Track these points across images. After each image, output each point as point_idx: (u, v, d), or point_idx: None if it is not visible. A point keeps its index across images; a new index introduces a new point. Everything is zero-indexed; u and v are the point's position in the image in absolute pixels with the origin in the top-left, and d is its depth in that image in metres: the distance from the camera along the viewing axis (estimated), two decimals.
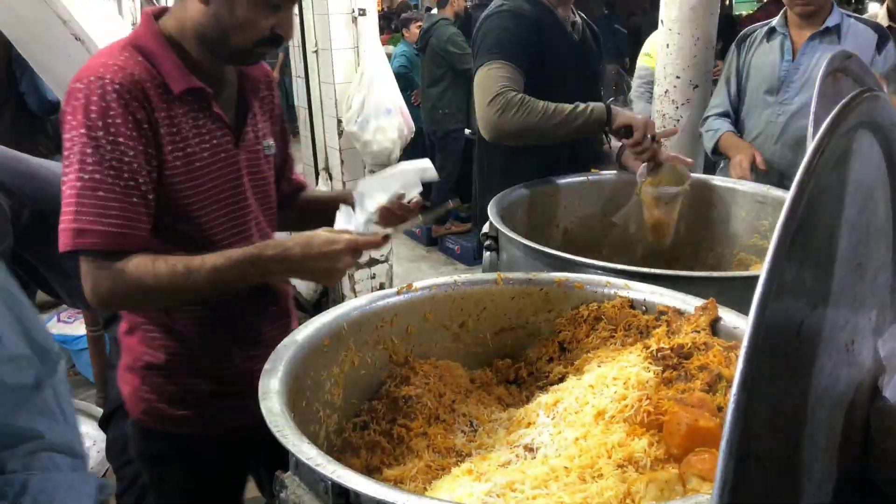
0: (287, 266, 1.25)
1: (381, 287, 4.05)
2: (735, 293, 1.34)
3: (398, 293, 1.34)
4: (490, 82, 1.97)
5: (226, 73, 1.40)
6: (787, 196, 0.56)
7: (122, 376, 1.49)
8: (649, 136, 1.95)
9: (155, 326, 1.41)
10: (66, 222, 1.21)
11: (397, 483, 1.06)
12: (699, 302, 1.25)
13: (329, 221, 1.45)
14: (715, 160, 2.75)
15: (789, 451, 0.65)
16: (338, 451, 1.16)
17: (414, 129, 4.62)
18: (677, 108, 2.94)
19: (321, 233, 1.27)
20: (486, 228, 1.82)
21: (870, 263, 0.81)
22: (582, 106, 1.96)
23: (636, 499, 0.81)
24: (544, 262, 1.54)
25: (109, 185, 1.20)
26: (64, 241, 1.21)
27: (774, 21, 2.56)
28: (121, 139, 1.21)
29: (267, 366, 1.09)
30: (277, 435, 0.88)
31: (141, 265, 1.22)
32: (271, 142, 1.51)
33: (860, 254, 0.78)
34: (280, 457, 1.55)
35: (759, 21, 2.70)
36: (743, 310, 1.23)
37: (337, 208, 1.45)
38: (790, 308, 0.61)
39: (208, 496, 1.51)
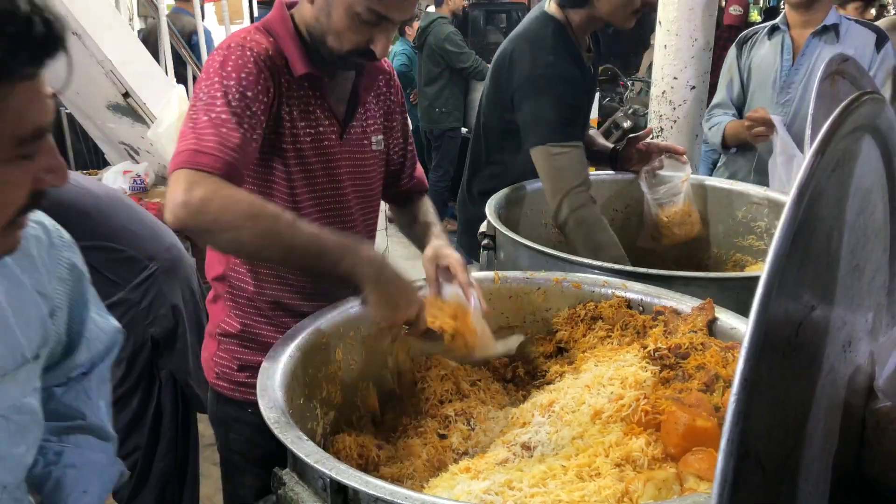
0: (378, 272, 1.18)
1: None
2: (732, 294, 1.34)
3: None
4: (560, 174, 1.87)
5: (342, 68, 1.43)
6: (788, 197, 0.56)
7: (205, 342, 1.57)
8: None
9: (236, 296, 1.46)
10: (183, 145, 1.20)
11: (395, 481, 1.06)
12: (696, 302, 1.25)
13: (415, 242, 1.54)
14: (726, 153, 2.75)
15: (787, 450, 0.65)
16: (333, 449, 1.17)
17: (411, 128, 4.61)
18: (674, 108, 2.94)
19: (418, 282, 1.29)
20: (483, 227, 1.83)
21: (867, 265, 0.82)
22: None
23: (634, 498, 0.82)
24: (542, 261, 1.54)
25: (233, 125, 1.22)
26: (176, 161, 1.18)
27: (777, 20, 2.59)
28: (250, 93, 1.26)
29: (265, 363, 1.09)
30: (276, 431, 0.88)
31: (251, 194, 1.22)
32: (381, 137, 1.52)
33: (858, 256, 0.78)
34: None
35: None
36: (739, 310, 1.24)
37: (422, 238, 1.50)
38: (789, 309, 0.61)
39: (269, 463, 1.51)
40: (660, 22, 2.87)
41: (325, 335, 1.20)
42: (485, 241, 1.81)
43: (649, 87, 4.83)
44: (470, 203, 2.24)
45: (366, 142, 1.48)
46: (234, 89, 1.25)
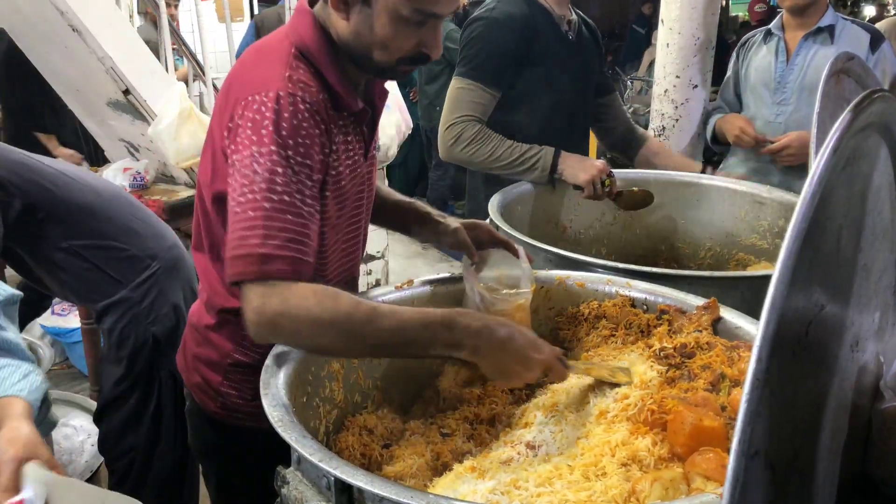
0: (484, 342, 1.08)
1: (378, 283, 4.04)
2: (736, 293, 1.34)
3: (398, 289, 1.34)
4: (454, 105, 2.03)
5: (360, 81, 1.31)
6: (800, 196, 0.56)
7: (198, 367, 1.40)
8: (599, 184, 1.97)
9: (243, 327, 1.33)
10: (249, 247, 1.06)
11: (397, 480, 1.06)
12: (700, 301, 1.25)
13: (395, 225, 1.50)
14: (717, 150, 2.81)
15: (795, 450, 0.65)
16: (336, 448, 1.16)
17: (412, 126, 4.61)
18: (676, 107, 2.94)
19: (527, 331, 1.13)
20: None
21: (875, 265, 0.81)
22: (529, 154, 1.99)
23: (641, 497, 0.81)
24: (545, 259, 1.54)
25: (297, 208, 1.09)
26: (243, 269, 1.07)
27: (772, 24, 2.62)
28: (309, 161, 1.12)
29: (268, 361, 1.09)
30: (280, 430, 0.88)
31: (320, 292, 1.07)
32: (380, 143, 1.48)
33: (866, 255, 0.78)
34: None
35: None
36: (744, 309, 1.23)
37: (409, 214, 1.48)
38: (800, 307, 0.61)
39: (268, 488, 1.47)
40: (662, 20, 2.87)
41: None
42: None
43: (650, 86, 4.84)
44: (479, 192, 2.25)
45: (374, 154, 1.40)
46: (293, 160, 1.10)
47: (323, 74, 1.18)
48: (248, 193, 1.08)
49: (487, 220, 1.81)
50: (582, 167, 1.98)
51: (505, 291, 1.32)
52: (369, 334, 1.07)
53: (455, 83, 2.06)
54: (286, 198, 1.08)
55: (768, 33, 2.63)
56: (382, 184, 1.58)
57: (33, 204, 1.88)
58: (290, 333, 1.08)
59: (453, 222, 1.42)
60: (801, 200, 0.55)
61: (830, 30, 2.49)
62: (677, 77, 2.88)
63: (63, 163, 2.15)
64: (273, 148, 1.09)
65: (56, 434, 2.39)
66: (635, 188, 2.08)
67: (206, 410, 1.41)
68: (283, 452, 1.41)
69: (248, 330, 1.08)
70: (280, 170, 1.08)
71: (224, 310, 1.32)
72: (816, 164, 0.57)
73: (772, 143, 2.45)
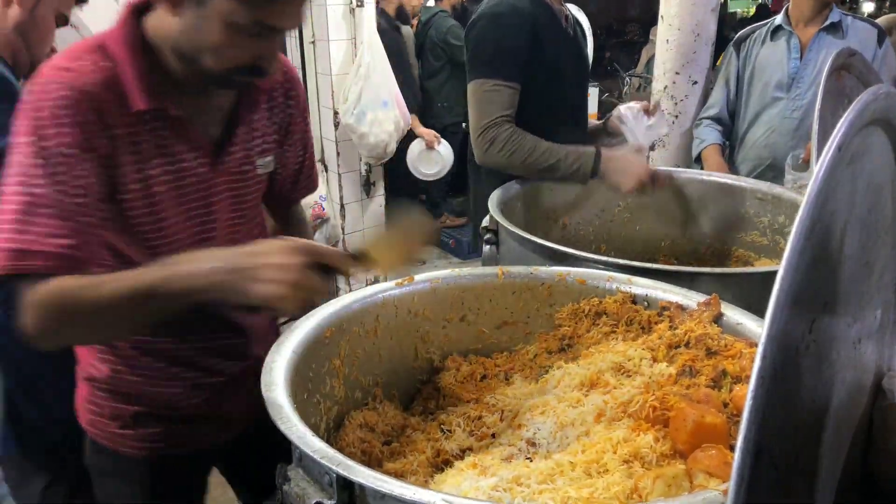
0: (220, 272, 1.02)
1: (376, 280, 4.04)
2: (737, 289, 1.34)
3: (398, 286, 1.34)
4: (484, 106, 1.97)
5: (212, 88, 1.22)
6: (805, 193, 0.56)
7: (77, 384, 1.40)
8: (646, 185, 1.94)
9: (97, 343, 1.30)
10: (4, 240, 1.03)
11: (398, 477, 1.06)
12: (702, 297, 1.25)
13: None
14: (698, 167, 2.83)
15: (799, 448, 0.65)
16: (336, 445, 1.16)
17: (410, 122, 4.60)
18: (676, 104, 2.94)
19: (275, 240, 1.06)
20: (486, 222, 1.82)
21: (877, 262, 0.81)
22: (571, 158, 1.94)
23: (643, 494, 0.81)
24: (545, 256, 1.54)
25: (54, 200, 1.04)
26: (3, 263, 1.03)
27: (777, 20, 2.62)
28: (70, 152, 1.06)
29: (268, 358, 1.08)
30: (282, 427, 0.88)
31: (82, 288, 1.05)
32: (270, 158, 1.35)
33: (868, 253, 0.78)
34: (254, 470, 1.46)
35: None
36: (745, 306, 1.23)
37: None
38: (804, 305, 0.61)
39: None
40: (661, 16, 2.87)
41: (329, 330, 1.20)
42: (487, 236, 1.80)
43: (648, 83, 4.83)
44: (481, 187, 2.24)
45: (247, 167, 1.30)
46: (52, 150, 1.04)
47: (117, 71, 1.11)
48: (7, 185, 1.05)
49: (487, 216, 1.81)
50: (624, 170, 1.93)
51: None
52: (138, 308, 1.06)
53: (475, 86, 1.99)
54: (42, 190, 1.04)
55: (776, 28, 2.63)
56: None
57: None
58: (71, 339, 1.16)
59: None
60: (806, 197, 0.55)
61: (840, 25, 2.52)
62: (677, 73, 2.88)
63: None
64: (29, 139, 1.05)
65: None
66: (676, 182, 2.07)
67: (83, 426, 1.40)
68: (159, 484, 1.39)
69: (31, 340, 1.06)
70: (37, 162, 1.04)
71: None
72: (821, 161, 0.57)
73: None
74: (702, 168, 2.72)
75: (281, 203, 1.53)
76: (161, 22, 1.12)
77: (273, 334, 1.46)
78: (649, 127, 2.10)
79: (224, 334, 1.38)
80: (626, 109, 2.14)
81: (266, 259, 1.00)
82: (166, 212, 1.20)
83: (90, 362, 1.33)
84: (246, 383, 1.36)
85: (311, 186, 1.56)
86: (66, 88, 1.06)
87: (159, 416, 1.35)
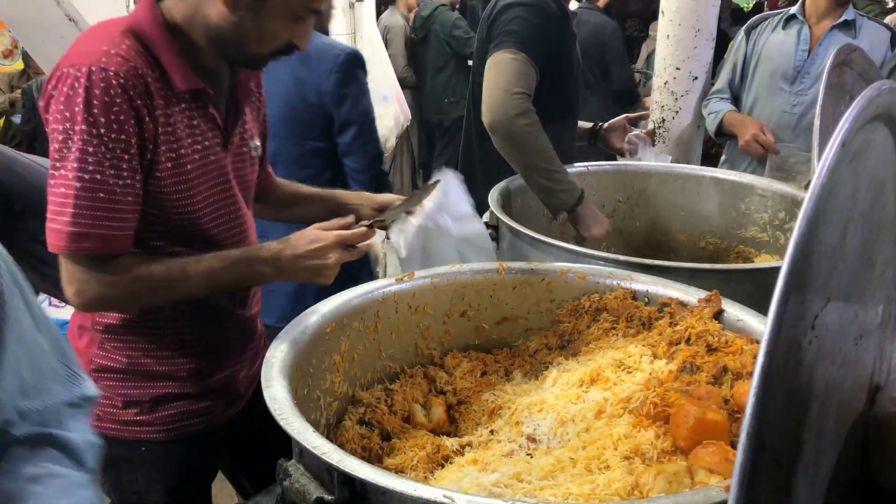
0: (279, 267, 1.25)
1: (376, 276, 4.03)
2: (738, 285, 1.34)
3: (399, 281, 1.33)
4: (517, 76, 1.88)
5: (222, 71, 1.33)
6: (809, 188, 0.56)
7: None
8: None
9: (103, 329, 1.35)
10: (61, 223, 1.14)
11: (398, 472, 1.06)
12: (702, 294, 1.25)
13: (307, 216, 1.49)
14: (719, 142, 2.82)
15: (801, 445, 0.65)
16: (336, 441, 1.16)
17: (410, 118, 4.59)
18: (676, 99, 2.93)
19: (309, 231, 1.27)
20: (486, 217, 1.82)
21: (878, 258, 0.81)
22: (567, 178, 1.92)
23: (644, 491, 0.81)
24: (546, 252, 1.53)
25: (110, 186, 1.15)
26: (57, 244, 1.15)
27: (793, 9, 2.60)
28: (123, 136, 1.15)
29: (269, 353, 1.08)
30: (282, 423, 0.88)
31: (137, 268, 1.19)
32: (258, 143, 1.46)
33: (870, 248, 0.78)
34: (254, 460, 1.51)
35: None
36: (745, 302, 1.23)
37: (317, 202, 1.54)
38: (806, 301, 0.60)
39: (174, 500, 1.45)
40: (662, 12, 2.86)
41: (330, 325, 1.19)
42: (488, 232, 1.79)
43: (648, 78, 4.81)
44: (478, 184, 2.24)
45: (245, 149, 1.41)
46: (106, 137, 1.13)
47: (154, 52, 1.20)
48: (60, 169, 1.14)
49: (488, 213, 1.81)
50: (596, 222, 1.93)
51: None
52: (186, 290, 1.23)
53: (506, 54, 1.90)
54: (98, 176, 1.13)
55: (790, 18, 2.61)
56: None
57: (10, 195, 1.86)
58: (113, 307, 1.28)
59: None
60: (809, 193, 0.55)
61: (854, 24, 2.50)
62: (677, 69, 2.87)
63: (39, 157, 2.11)
64: (84, 127, 1.12)
65: None
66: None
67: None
68: (176, 467, 1.43)
69: (72, 305, 1.22)
70: (91, 149, 1.12)
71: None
72: (825, 157, 0.56)
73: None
74: (723, 140, 2.73)
75: (266, 190, 1.60)
76: (198, 10, 1.21)
77: (278, 309, 1.65)
78: (654, 154, 2.23)
79: (234, 308, 1.45)
80: (636, 138, 2.23)
81: (305, 248, 1.24)
82: (194, 189, 1.28)
83: (95, 353, 1.36)
84: (254, 356, 1.51)
85: (270, 171, 1.63)
86: (118, 74, 1.13)
87: (175, 395, 1.39)
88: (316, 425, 1.11)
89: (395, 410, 1.23)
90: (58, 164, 1.14)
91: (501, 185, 1.95)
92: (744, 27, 2.76)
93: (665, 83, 2.92)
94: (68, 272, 1.18)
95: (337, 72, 2.05)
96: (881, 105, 0.68)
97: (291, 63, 1.86)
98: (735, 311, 1.20)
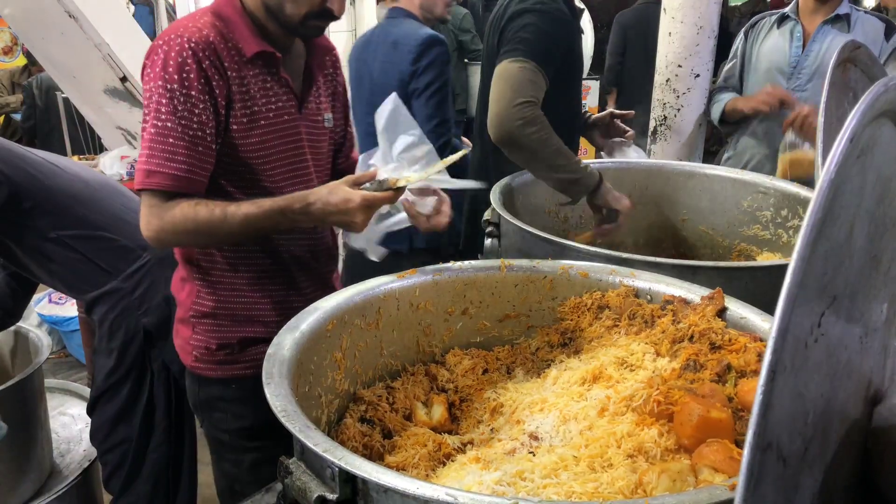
0: (310, 218, 1.39)
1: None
2: (741, 283, 1.33)
3: (400, 278, 1.33)
4: (520, 84, 1.89)
5: (296, 44, 1.55)
6: (816, 186, 0.55)
7: (175, 329, 1.65)
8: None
9: (201, 279, 1.57)
10: (140, 163, 1.39)
11: (399, 470, 1.05)
12: (705, 291, 1.24)
13: None
14: (727, 132, 2.85)
15: (807, 443, 0.64)
16: (337, 438, 1.15)
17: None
18: (678, 97, 2.92)
19: (340, 188, 1.36)
20: (487, 214, 1.81)
21: (884, 255, 0.81)
22: (581, 166, 1.93)
23: (648, 489, 0.81)
24: (547, 249, 1.53)
25: (179, 133, 1.36)
26: (137, 180, 1.39)
27: (787, 9, 2.63)
28: (193, 93, 1.36)
29: (270, 350, 1.07)
30: (283, 420, 0.87)
31: (185, 208, 1.38)
32: (330, 115, 1.64)
33: (876, 246, 0.77)
34: None
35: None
36: (748, 299, 1.22)
37: None
38: (813, 299, 0.60)
39: (257, 435, 1.61)
40: (664, 9, 2.85)
41: (331, 323, 1.19)
42: (489, 229, 1.79)
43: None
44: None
45: (319, 118, 1.60)
46: (177, 92, 1.36)
47: (230, 28, 1.43)
48: (143, 123, 1.39)
49: (489, 210, 1.80)
50: (618, 196, 1.96)
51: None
52: (227, 231, 1.40)
53: (514, 63, 1.91)
54: (168, 124, 1.36)
55: (783, 17, 2.64)
56: None
57: (20, 192, 1.86)
58: (172, 242, 1.48)
59: None
60: (817, 189, 0.54)
61: (847, 18, 2.52)
62: (679, 66, 2.86)
63: (48, 153, 2.12)
64: (159, 83, 1.37)
65: (54, 423, 2.38)
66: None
67: (188, 367, 1.62)
68: (257, 403, 1.45)
69: (144, 237, 1.41)
70: (164, 101, 1.36)
71: (184, 260, 1.58)
72: (833, 154, 0.56)
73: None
74: (728, 125, 2.76)
75: (330, 176, 1.71)
76: None
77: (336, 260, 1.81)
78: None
79: (312, 258, 1.65)
80: (616, 144, 2.28)
81: (335, 205, 1.35)
82: (269, 142, 1.48)
83: (193, 301, 1.58)
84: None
85: (354, 161, 1.71)
86: (191, 40, 1.37)
87: (256, 338, 1.59)
88: (317, 423, 1.10)
89: (397, 408, 1.22)
90: (145, 116, 1.38)
91: (503, 182, 1.95)
92: (743, 28, 2.80)
93: (667, 80, 2.91)
94: (143, 207, 1.40)
95: (412, 52, 2.36)
96: (888, 101, 0.67)
97: (384, 49, 2.42)
98: (738, 309, 1.19)
